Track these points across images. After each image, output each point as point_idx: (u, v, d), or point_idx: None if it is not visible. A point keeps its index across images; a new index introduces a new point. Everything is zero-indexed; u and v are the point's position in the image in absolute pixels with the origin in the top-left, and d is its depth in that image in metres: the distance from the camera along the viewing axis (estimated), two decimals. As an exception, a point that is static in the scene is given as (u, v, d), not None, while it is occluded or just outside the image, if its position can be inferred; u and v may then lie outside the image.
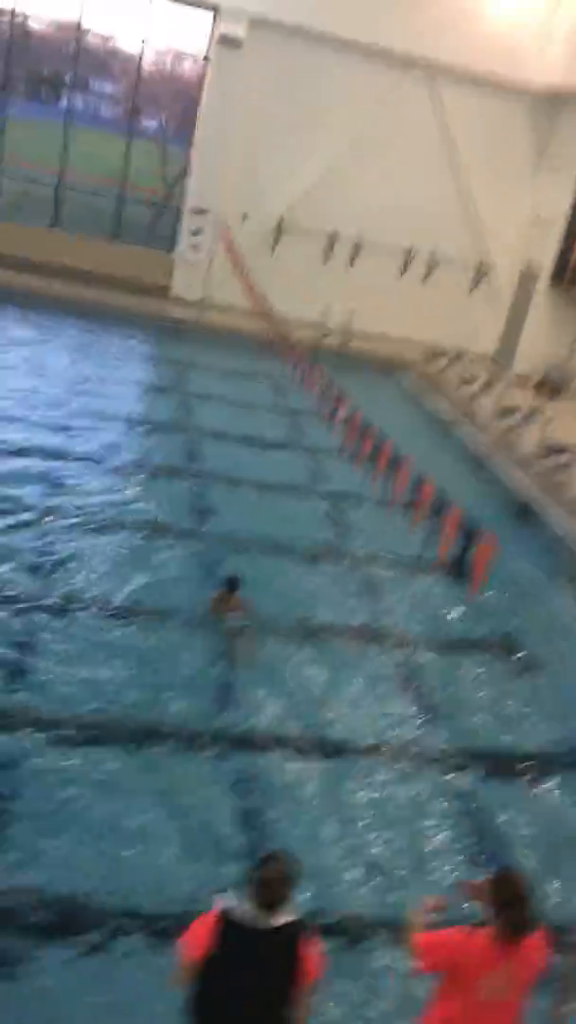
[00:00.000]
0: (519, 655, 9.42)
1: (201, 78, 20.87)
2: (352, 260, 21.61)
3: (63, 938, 5.34)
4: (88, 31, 21.81)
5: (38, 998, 4.99)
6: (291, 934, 3.91)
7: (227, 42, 19.45)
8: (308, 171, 20.86)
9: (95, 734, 6.96)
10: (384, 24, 19.75)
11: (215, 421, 14.70)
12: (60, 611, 8.43)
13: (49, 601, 8.56)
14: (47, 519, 10.11)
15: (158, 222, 25.37)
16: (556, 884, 6.50)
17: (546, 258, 21.09)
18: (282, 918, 3.89)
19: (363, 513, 12.12)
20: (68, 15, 20.72)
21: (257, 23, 19.39)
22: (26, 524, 9.93)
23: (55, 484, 11.03)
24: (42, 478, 11.10)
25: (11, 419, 12.82)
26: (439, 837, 6.74)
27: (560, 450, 14.56)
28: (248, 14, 19.33)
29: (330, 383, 9.95)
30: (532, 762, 7.79)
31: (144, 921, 5.52)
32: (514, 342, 21.98)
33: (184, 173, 21.70)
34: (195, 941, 3.93)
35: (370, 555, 10.95)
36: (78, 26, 20.80)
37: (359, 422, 9.36)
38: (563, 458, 14.36)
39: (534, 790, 7.50)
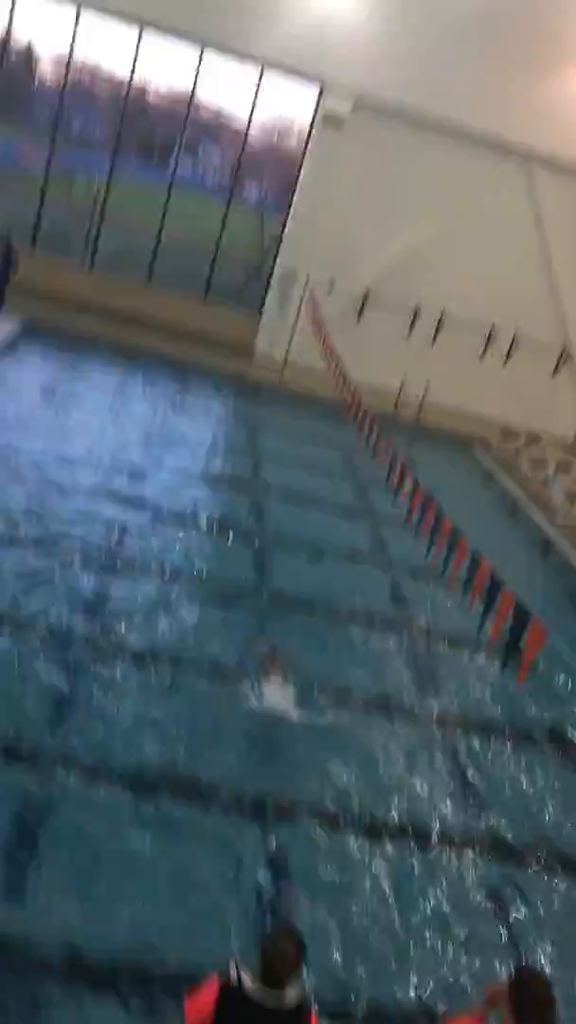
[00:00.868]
0: (565, 750, 9.19)
1: (303, 151, 21.53)
2: (435, 336, 21.78)
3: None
4: (199, 103, 22.74)
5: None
6: (297, 1018, 3.84)
7: (330, 119, 20.10)
8: (397, 247, 21.24)
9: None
10: (483, 109, 20.20)
11: (284, 482, 14.85)
12: (105, 655, 8.54)
13: (98, 643, 8.69)
14: (105, 563, 10.31)
15: (250, 286, 26.03)
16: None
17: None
18: (289, 997, 3.82)
19: (419, 586, 12.06)
20: (183, 86, 21.66)
21: (361, 102, 20.00)
22: (85, 566, 10.12)
23: (119, 531, 11.24)
24: (108, 524, 11.31)
25: (86, 463, 13.14)
26: (469, 930, 6.56)
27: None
28: (353, 91, 19.97)
29: (397, 454, 10.04)
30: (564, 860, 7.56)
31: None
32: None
33: (279, 240, 22.31)
34: (201, 1008, 3.88)
35: (422, 630, 10.88)
36: (191, 97, 21.74)
37: (423, 495, 9.36)
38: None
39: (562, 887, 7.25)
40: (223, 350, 21.05)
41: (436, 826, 7.50)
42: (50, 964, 5.38)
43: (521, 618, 6.54)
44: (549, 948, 6.60)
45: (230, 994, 3.85)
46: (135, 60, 20.97)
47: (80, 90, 24.89)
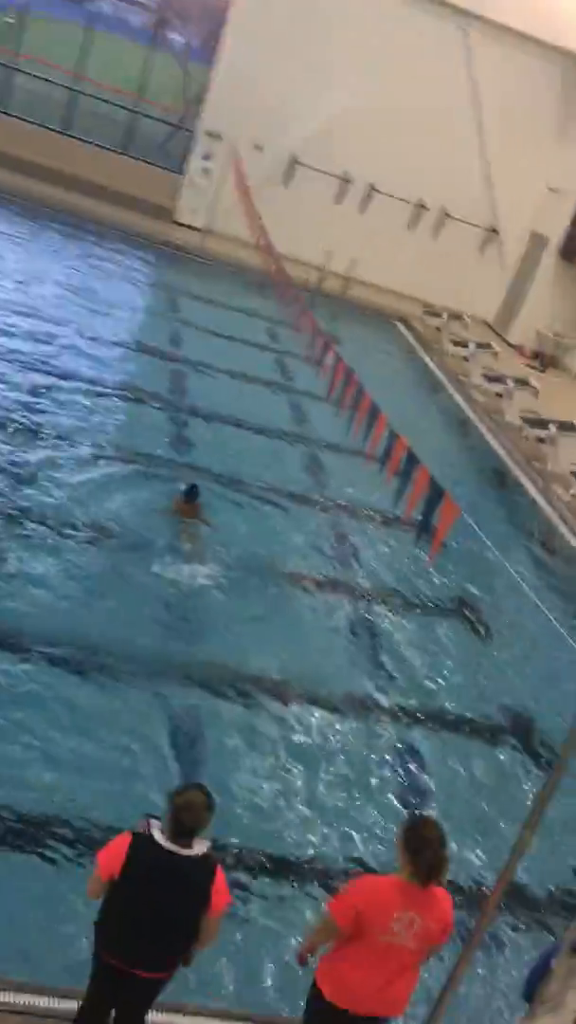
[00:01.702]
0: (468, 620, 9.55)
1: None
2: (363, 206, 21.26)
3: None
4: None
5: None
6: (204, 864, 4.00)
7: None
8: (328, 108, 20.36)
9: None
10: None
11: (203, 352, 14.55)
12: (19, 523, 8.42)
13: (12, 511, 8.54)
14: (18, 430, 10.04)
15: (171, 141, 24.80)
16: (478, 839, 6.68)
17: (557, 231, 20.86)
18: (198, 848, 3.98)
19: (338, 461, 12.13)
20: None
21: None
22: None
23: (35, 395, 10.91)
24: (18, 388, 10.96)
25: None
26: (375, 784, 6.89)
27: (543, 423, 14.59)
28: None
29: (320, 327, 9.89)
30: (466, 724, 7.96)
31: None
32: (514, 311, 21.83)
33: (204, 94, 21.17)
34: (112, 858, 4.01)
35: (339, 505, 11.00)
36: None
37: (344, 371, 9.29)
38: (544, 432, 14.40)
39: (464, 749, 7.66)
40: (142, 210, 20.16)
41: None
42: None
43: (435, 494, 6.63)
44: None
45: (140, 842, 3.98)
46: None
47: None
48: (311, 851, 6.18)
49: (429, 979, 4.94)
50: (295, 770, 6.76)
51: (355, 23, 19.64)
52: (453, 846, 6.47)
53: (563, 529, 12.54)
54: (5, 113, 20.62)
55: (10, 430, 9.98)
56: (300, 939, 5.01)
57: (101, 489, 9.50)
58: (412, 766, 7.24)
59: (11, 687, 6.55)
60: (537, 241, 21.59)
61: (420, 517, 6.75)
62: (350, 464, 11.82)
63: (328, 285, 19.50)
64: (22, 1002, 4.49)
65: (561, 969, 4.44)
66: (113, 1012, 4.25)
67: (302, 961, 4.39)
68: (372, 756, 7.18)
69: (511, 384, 16.07)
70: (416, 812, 6.51)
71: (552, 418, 14.64)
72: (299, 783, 6.66)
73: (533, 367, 20.05)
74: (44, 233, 17.65)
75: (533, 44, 20.19)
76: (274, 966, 5.32)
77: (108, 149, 21.11)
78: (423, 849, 4.02)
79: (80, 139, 20.90)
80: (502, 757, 7.73)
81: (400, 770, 7.16)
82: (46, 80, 21.35)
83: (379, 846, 6.28)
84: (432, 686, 8.30)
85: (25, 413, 10.46)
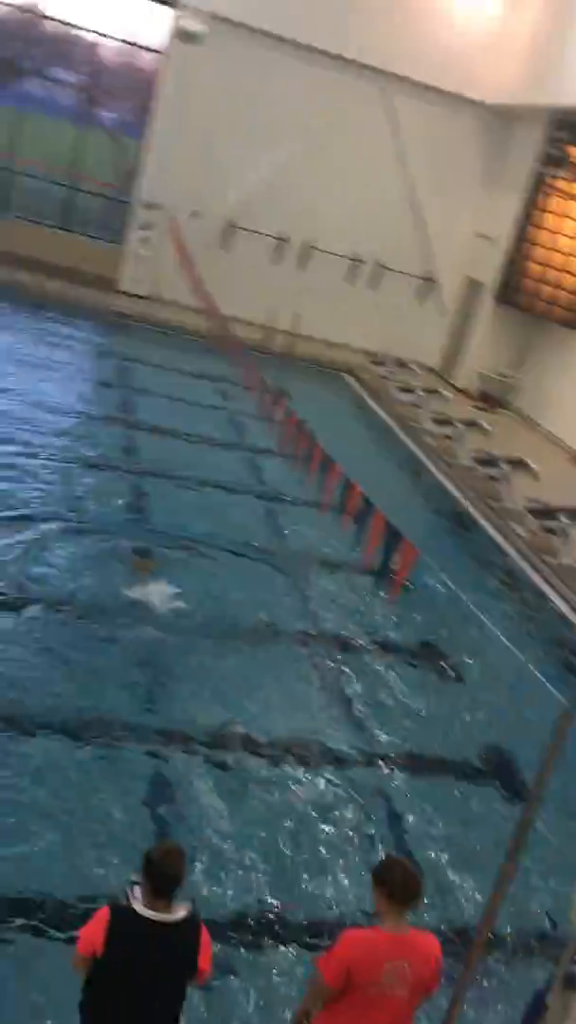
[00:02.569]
0: (438, 662, 9.58)
1: (158, 72, 20.79)
2: (301, 264, 21.74)
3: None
4: (47, 17, 21.57)
5: None
6: (188, 928, 3.95)
7: (185, 37, 19.39)
8: (261, 172, 20.91)
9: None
10: (340, 31, 19.94)
11: (156, 417, 14.66)
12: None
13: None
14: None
15: (111, 215, 25.18)
16: (459, 881, 6.64)
17: (490, 274, 21.45)
18: (178, 912, 3.92)
19: (295, 513, 12.21)
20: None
21: (216, 21, 19.40)
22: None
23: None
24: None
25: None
26: (347, 835, 6.84)
27: (495, 462, 14.83)
28: (206, 12, 19.32)
29: (269, 384, 10.04)
30: (441, 767, 7.95)
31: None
32: (457, 355, 22.32)
33: (137, 166, 21.60)
34: (92, 935, 3.93)
35: (300, 555, 11.05)
36: (36, 11, 20.60)
37: (296, 424, 9.43)
38: (496, 471, 14.63)
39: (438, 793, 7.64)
40: (87, 283, 20.39)
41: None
42: None
43: (392, 538, 6.72)
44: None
45: (119, 915, 3.91)
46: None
47: None
48: (296, 910, 6.09)
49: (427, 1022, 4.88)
50: (273, 827, 6.69)
51: (279, 89, 20.27)
52: (444, 889, 6.48)
53: (522, 564, 12.70)
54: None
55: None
56: (291, 1007, 4.93)
57: (52, 553, 9.49)
58: (390, 814, 7.20)
59: None
60: (472, 287, 22.17)
61: (380, 561, 6.84)
62: (307, 515, 11.93)
63: (274, 342, 19.82)
64: None
65: (555, 1005, 4.43)
66: None
67: None
68: (348, 807, 7.13)
69: (460, 426, 16.35)
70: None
71: (503, 456, 14.90)
72: (277, 840, 6.58)
73: (481, 408, 20.45)
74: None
75: (450, 97, 20.96)
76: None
77: (49, 226, 21.41)
78: (392, 869, 4.04)
79: (20, 218, 21.18)
80: (481, 798, 7.72)
81: (377, 819, 7.11)
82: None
83: (363, 902, 6.21)
84: (404, 731, 8.29)
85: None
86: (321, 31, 19.88)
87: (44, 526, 9.96)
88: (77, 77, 24.02)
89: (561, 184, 20.22)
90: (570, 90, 18.33)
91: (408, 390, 18.60)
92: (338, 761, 7.59)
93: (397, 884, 4.01)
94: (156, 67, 21.02)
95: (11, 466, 11.21)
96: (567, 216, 20.23)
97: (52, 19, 21.55)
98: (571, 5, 19.42)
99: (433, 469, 15.81)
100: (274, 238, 21.44)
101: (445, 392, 18.56)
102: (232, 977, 5.41)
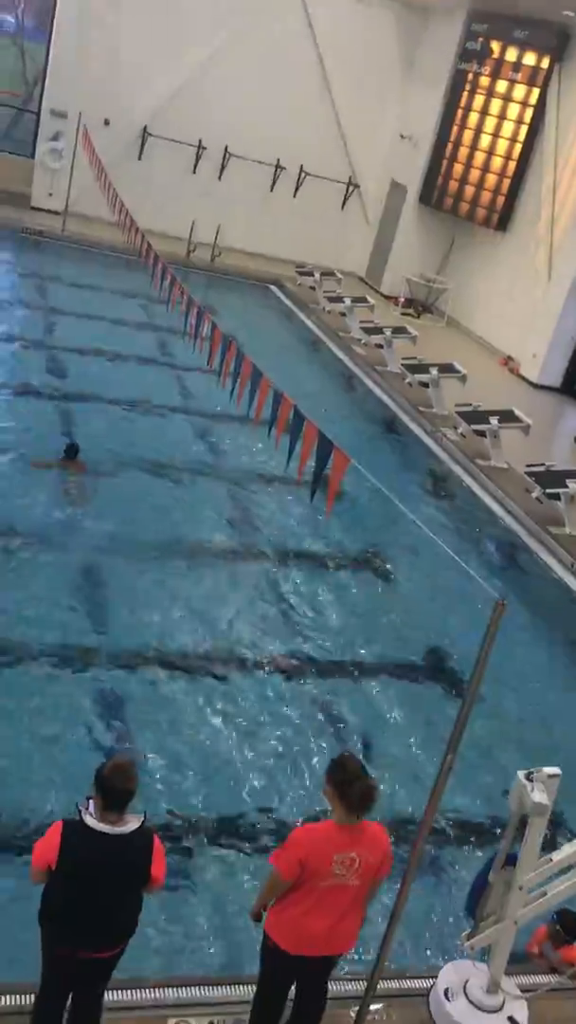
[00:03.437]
0: (375, 567, 9.74)
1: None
2: (221, 173, 21.13)
3: None
4: None
5: None
6: (139, 839, 4.02)
7: None
8: (174, 76, 20.09)
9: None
10: None
11: (79, 337, 14.28)
12: None
13: None
14: None
15: (17, 125, 24.02)
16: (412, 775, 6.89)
17: (413, 176, 21.13)
18: (130, 824, 3.99)
19: (226, 430, 12.13)
20: None
21: None
22: None
23: None
24: None
25: None
26: (300, 737, 7.01)
27: (424, 368, 14.85)
28: None
29: (192, 299, 9.84)
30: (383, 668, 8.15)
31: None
32: (383, 261, 22.09)
33: (43, 73, 20.55)
34: (46, 849, 3.99)
35: (232, 471, 11.03)
36: None
37: (221, 339, 9.26)
38: (426, 376, 14.66)
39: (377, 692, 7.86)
40: (-1, 199, 19.55)
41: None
42: None
43: (324, 448, 6.70)
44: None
45: (71, 828, 3.97)
46: None
47: None
48: (249, 811, 6.26)
49: (380, 907, 5.10)
50: (223, 735, 6.82)
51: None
52: (394, 785, 6.71)
53: (454, 467, 12.86)
54: None
55: None
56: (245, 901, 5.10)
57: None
58: (337, 715, 7.39)
59: None
60: (396, 190, 21.84)
61: (313, 472, 6.83)
62: (239, 431, 11.86)
63: (197, 256, 19.37)
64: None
65: (498, 882, 4.65)
66: (71, 998, 4.26)
67: (256, 917, 4.47)
68: (297, 712, 7.30)
69: (389, 333, 16.29)
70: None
71: (432, 362, 14.93)
72: (229, 748, 6.72)
73: (408, 314, 20.38)
74: None
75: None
76: (226, 928, 5.40)
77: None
78: (351, 782, 4.14)
79: None
80: (424, 693, 7.96)
81: (326, 721, 7.30)
82: None
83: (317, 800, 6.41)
84: (345, 635, 8.46)
85: None
86: None
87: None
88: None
89: (483, 81, 19.85)
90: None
91: (335, 299, 18.41)
92: (282, 668, 7.73)
93: (354, 794, 4.13)
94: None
95: None
96: (488, 114, 19.92)
97: None
98: None
99: (363, 377, 15.80)
100: (190, 145, 20.73)
101: (373, 300, 18.42)
102: (187, 880, 5.57)
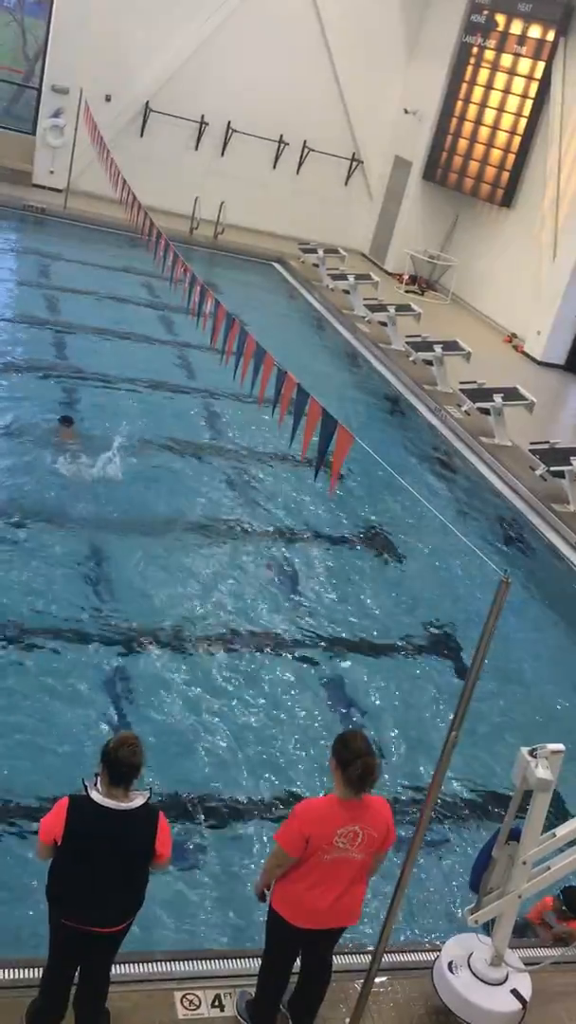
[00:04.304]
0: (380, 545, 9.75)
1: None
2: (223, 149, 20.97)
3: None
4: None
5: None
6: (145, 816, 4.05)
7: None
8: (176, 51, 19.90)
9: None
10: None
11: (81, 316, 14.23)
12: None
13: None
14: None
15: (18, 102, 23.84)
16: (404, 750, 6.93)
17: (418, 152, 20.95)
18: (135, 800, 4.02)
19: (230, 409, 12.11)
20: None
21: None
22: None
23: None
24: None
25: None
26: (305, 713, 7.04)
27: (428, 345, 14.79)
28: None
29: (195, 276, 9.79)
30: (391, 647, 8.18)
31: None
32: (387, 238, 21.93)
33: (43, 48, 20.35)
34: (52, 823, 4.02)
35: (237, 450, 11.02)
36: None
37: (224, 317, 9.23)
38: (430, 354, 14.60)
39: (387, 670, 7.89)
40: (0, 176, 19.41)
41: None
42: None
43: (328, 426, 6.68)
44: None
45: (77, 804, 4.00)
46: None
47: None
48: (255, 788, 6.30)
49: (384, 883, 5.15)
50: (228, 712, 6.85)
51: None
52: (396, 758, 6.75)
53: (458, 445, 12.84)
54: None
55: None
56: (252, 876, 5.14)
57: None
58: (342, 692, 7.43)
59: None
60: (400, 165, 21.66)
61: (317, 451, 6.81)
62: (243, 409, 11.84)
63: (200, 233, 19.25)
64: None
65: (501, 857, 4.69)
66: (79, 971, 4.31)
67: (261, 897, 4.51)
68: (302, 688, 7.33)
69: (393, 311, 16.21)
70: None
71: (436, 339, 14.86)
72: (231, 725, 6.76)
73: (412, 292, 20.27)
74: None
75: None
76: (232, 903, 5.45)
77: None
78: (353, 760, 4.16)
79: None
80: (429, 670, 7.99)
81: (331, 697, 7.33)
82: None
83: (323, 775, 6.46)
84: (351, 614, 8.48)
85: None
86: None
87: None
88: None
89: (488, 54, 19.63)
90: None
91: (339, 277, 18.32)
92: (288, 647, 7.75)
93: (355, 771, 4.15)
94: None
95: None
96: (492, 87, 19.71)
97: None
98: None
99: (367, 355, 15.74)
100: (193, 122, 20.56)
101: (376, 277, 18.32)
102: (199, 856, 5.62)
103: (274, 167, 21.46)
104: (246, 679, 7.26)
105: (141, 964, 4.74)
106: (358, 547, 9.67)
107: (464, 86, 20.13)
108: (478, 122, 20.03)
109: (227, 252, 19.53)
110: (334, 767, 4.25)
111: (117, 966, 4.38)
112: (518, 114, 19.27)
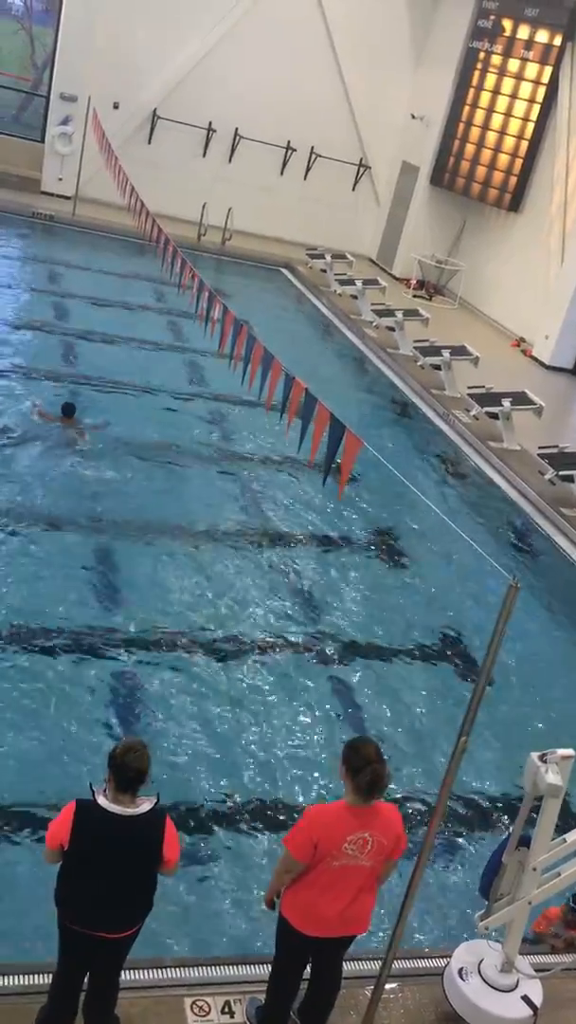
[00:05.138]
0: (389, 550, 9.73)
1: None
2: (231, 155, 21.03)
3: None
4: None
5: None
6: (152, 821, 4.05)
7: None
8: (183, 59, 19.98)
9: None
10: None
11: (89, 322, 14.27)
12: None
13: None
14: None
15: (27, 110, 23.99)
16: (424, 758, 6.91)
17: (425, 157, 20.96)
18: (142, 806, 4.02)
19: (239, 414, 12.12)
20: None
21: None
22: None
23: None
24: None
25: None
26: (314, 719, 7.03)
27: (436, 350, 14.79)
28: None
29: (203, 283, 9.82)
30: (399, 651, 8.16)
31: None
32: (394, 243, 21.95)
33: (52, 57, 20.46)
34: (59, 828, 4.02)
35: (246, 456, 11.02)
36: None
37: (232, 323, 9.25)
38: (438, 359, 14.60)
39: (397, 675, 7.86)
40: (8, 184, 19.50)
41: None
42: None
43: (336, 431, 6.69)
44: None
45: (83, 809, 4.00)
46: None
47: None
48: (263, 793, 6.29)
49: (396, 886, 5.12)
50: (237, 719, 6.85)
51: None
52: (406, 767, 6.73)
53: (467, 450, 12.82)
54: None
55: None
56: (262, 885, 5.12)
57: None
58: (351, 698, 7.41)
59: None
60: (407, 170, 21.68)
61: (325, 456, 6.82)
62: (252, 415, 11.84)
63: (208, 239, 19.29)
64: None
65: (511, 863, 4.66)
66: (88, 977, 4.30)
67: (270, 905, 4.49)
68: (310, 693, 7.32)
69: (401, 316, 16.22)
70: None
71: (444, 344, 14.85)
72: (241, 731, 6.75)
73: (420, 297, 20.28)
74: None
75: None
76: (240, 911, 5.44)
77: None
78: (363, 767, 4.14)
79: None
80: (438, 677, 7.96)
81: (340, 702, 7.31)
82: None
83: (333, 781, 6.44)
84: (359, 618, 8.47)
85: None
86: None
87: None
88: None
89: (494, 59, 19.65)
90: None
91: (347, 282, 18.33)
92: (297, 651, 7.75)
93: (364, 778, 4.13)
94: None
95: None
96: (499, 92, 19.72)
97: None
98: None
99: (375, 360, 15.75)
100: (200, 129, 20.63)
101: (384, 282, 18.33)
102: (209, 862, 5.61)
103: (281, 173, 21.52)
104: (250, 684, 7.24)
105: (151, 970, 4.73)
106: (365, 551, 9.66)
107: (471, 91, 20.15)
108: (485, 127, 20.04)
109: (235, 258, 19.58)
110: (344, 774, 4.23)
111: (127, 972, 4.38)
112: (525, 119, 19.27)
